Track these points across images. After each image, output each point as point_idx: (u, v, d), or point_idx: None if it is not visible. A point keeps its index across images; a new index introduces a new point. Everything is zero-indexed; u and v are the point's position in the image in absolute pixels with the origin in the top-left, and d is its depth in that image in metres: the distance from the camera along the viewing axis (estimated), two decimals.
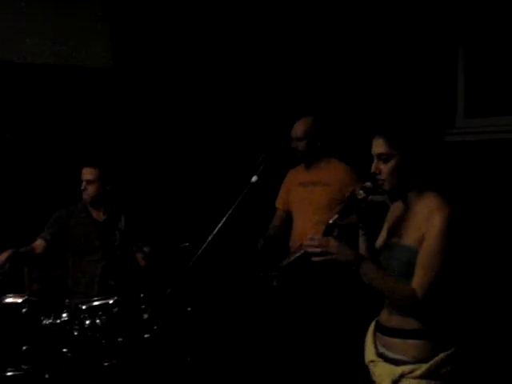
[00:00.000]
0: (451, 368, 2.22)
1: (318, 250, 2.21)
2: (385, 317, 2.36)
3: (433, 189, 2.29)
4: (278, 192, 4.08)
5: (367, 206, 2.28)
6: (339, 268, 2.25)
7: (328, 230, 2.26)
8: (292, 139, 3.84)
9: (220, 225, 2.90)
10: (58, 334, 2.76)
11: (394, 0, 4.36)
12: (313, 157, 3.84)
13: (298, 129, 3.81)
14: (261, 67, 4.84)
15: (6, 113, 4.29)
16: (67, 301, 2.90)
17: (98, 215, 3.66)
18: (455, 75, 4.27)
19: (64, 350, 2.74)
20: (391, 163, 2.25)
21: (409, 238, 2.25)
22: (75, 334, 2.77)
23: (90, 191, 3.58)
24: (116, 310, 2.88)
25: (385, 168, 2.26)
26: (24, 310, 2.78)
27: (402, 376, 2.23)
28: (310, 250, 2.23)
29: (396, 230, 2.35)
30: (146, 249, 3.61)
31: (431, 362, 2.20)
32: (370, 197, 2.26)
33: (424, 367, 2.20)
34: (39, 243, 3.53)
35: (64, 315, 2.80)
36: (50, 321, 2.77)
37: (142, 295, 2.98)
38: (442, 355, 2.20)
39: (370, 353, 2.40)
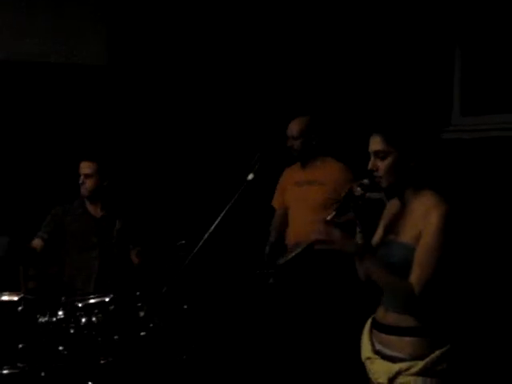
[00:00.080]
0: (447, 365, 2.22)
1: (322, 237, 2.22)
2: (381, 314, 2.36)
3: (429, 186, 2.30)
4: (274, 191, 4.08)
5: (364, 203, 2.29)
6: (338, 262, 2.26)
7: None
8: (288, 138, 3.85)
9: (216, 222, 2.90)
10: (54, 332, 2.76)
11: (392, 1, 4.37)
12: (308, 156, 3.84)
13: (294, 128, 3.81)
14: (257, 66, 4.84)
15: (5, 110, 4.33)
16: (63, 299, 2.89)
17: (96, 211, 3.66)
18: (451, 74, 4.28)
19: (60, 348, 2.74)
20: (388, 160, 2.25)
21: (406, 236, 2.26)
22: (71, 331, 2.77)
23: (87, 185, 3.58)
24: (112, 307, 2.88)
25: (382, 165, 2.26)
26: (20, 308, 2.78)
27: (398, 373, 2.23)
28: (313, 237, 2.25)
29: (393, 227, 2.36)
30: (137, 248, 3.63)
31: (427, 360, 2.20)
32: (368, 194, 2.27)
33: (420, 364, 2.20)
34: (37, 242, 3.52)
35: (60, 313, 2.79)
36: (46, 319, 2.77)
37: (138, 293, 2.97)
38: (437, 352, 2.21)
39: (366, 350, 2.40)
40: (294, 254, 3.52)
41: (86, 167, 3.58)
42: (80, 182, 3.58)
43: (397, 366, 2.24)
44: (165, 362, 2.96)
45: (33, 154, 4.39)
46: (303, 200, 3.80)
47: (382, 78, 4.46)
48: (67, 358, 2.73)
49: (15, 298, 2.81)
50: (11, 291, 2.90)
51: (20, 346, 2.69)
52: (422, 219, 2.21)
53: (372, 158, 2.30)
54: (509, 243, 3.72)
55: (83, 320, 2.80)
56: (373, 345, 2.38)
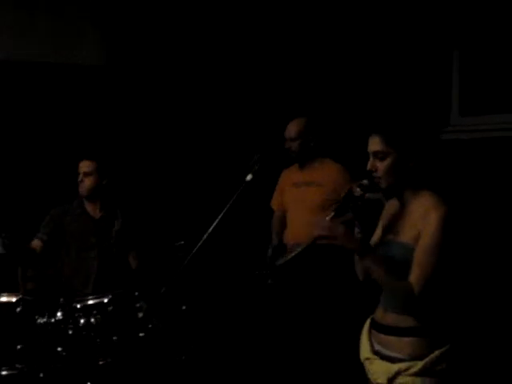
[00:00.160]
0: (446, 365, 2.22)
1: (325, 232, 2.22)
2: (380, 314, 2.36)
3: (428, 187, 2.31)
4: (273, 192, 4.08)
5: (363, 203, 2.29)
6: (337, 262, 2.26)
7: None
8: (286, 140, 3.85)
9: (215, 223, 2.89)
10: (52, 333, 2.75)
11: (390, 1, 4.37)
12: (306, 157, 3.84)
13: (292, 129, 3.82)
14: (255, 67, 4.84)
15: (4, 110, 4.34)
16: (62, 300, 2.89)
17: (94, 211, 3.65)
18: (450, 75, 4.30)
19: (59, 348, 2.74)
20: (387, 161, 2.26)
21: (405, 236, 2.26)
22: (70, 332, 2.77)
23: (86, 184, 3.58)
24: (111, 308, 2.87)
25: (381, 166, 2.27)
26: (18, 309, 2.77)
27: (397, 373, 2.23)
28: (316, 232, 2.25)
29: (391, 227, 2.36)
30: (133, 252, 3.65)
31: (426, 360, 2.20)
32: (367, 194, 2.27)
33: (419, 364, 2.20)
34: (36, 243, 3.51)
35: (59, 314, 2.79)
36: (45, 320, 2.77)
37: (136, 294, 2.97)
38: (436, 352, 2.21)
39: (365, 350, 2.40)
40: (293, 254, 3.52)
41: (85, 166, 3.58)
42: (79, 180, 3.58)
43: (396, 367, 2.24)
44: (164, 363, 2.96)
45: (32, 154, 4.40)
46: (301, 201, 3.80)
47: (380, 78, 4.46)
48: (66, 358, 2.73)
49: (14, 299, 2.81)
50: (10, 292, 2.89)
51: (19, 346, 2.69)
52: (421, 220, 2.21)
53: (371, 159, 2.30)
54: (508, 243, 3.72)
55: (82, 321, 2.80)
56: (372, 345, 2.38)
